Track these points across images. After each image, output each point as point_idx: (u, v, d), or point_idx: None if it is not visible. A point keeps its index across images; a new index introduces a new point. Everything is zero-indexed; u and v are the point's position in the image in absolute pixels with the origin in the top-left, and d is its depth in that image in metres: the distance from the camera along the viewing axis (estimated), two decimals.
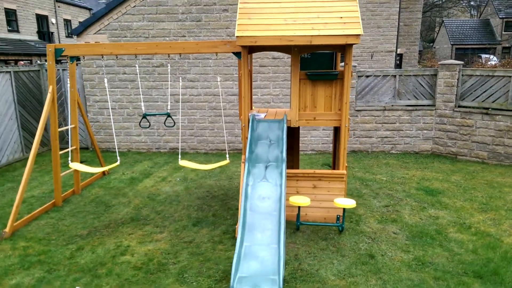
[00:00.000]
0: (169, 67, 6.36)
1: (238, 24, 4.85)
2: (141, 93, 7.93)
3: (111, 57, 9.64)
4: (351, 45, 4.99)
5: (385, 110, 9.48)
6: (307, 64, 6.53)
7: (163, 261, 4.52)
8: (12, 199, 6.48)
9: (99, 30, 9.59)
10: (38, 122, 9.43)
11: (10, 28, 21.22)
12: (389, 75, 9.50)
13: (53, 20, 25.32)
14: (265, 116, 5.65)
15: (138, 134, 10.06)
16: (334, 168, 6.43)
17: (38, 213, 5.90)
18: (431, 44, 41.29)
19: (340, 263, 4.45)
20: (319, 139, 9.75)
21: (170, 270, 4.33)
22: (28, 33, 22.80)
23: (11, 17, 21.34)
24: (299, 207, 5.21)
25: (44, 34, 24.31)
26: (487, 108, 8.63)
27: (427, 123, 9.47)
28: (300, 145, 9.31)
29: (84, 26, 9.57)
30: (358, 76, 9.51)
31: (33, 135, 9.30)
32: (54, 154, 6.19)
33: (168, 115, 6.21)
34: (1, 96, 8.63)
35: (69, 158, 6.29)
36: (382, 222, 5.53)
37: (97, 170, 6.09)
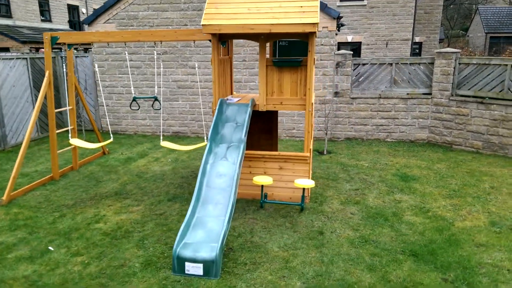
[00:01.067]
0: (155, 54, 6.79)
1: (205, 13, 5.19)
2: (131, 78, 8.45)
3: (119, 45, 10.23)
4: (313, 33, 5.21)
5: (380, 98, 9.52)
6: (286, 50, 6.80)
7: (130, 229, 5.02)
8: (19, 172, 7.21)
9: (108, 19, 10.19)
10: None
11: (43, 18, 22.48)
12: (385, 63, 9.51)
13: (84, 10, 26.50)
14: (238, 100, 5.98)
15: (144, 118, 10.67)
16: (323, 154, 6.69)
17: (36, 185, 6.58)
18: (465, 32, 39.53)
19: (289, 237, 4.77)
20: (315, 126, 9.94)
21: (133, 237, 4.82)
22: (59, 22, 24.06)
23: (44, 7, 22.59)
24: (262, 185, 5.54)
25: (75, 23, 25.54)
26: (483, 97, 8.50)
27: (423, 111, 9.43)
28: (293, 131, 9.57)
29: (95, 16, 10.19)
30: (354, 64, 9.59)
31: (47, 117, 10.11)
32: (51, 132, 6.83)
33: (156, 99, 6.68)
34: (18, 81, 9.44)
35: (69, 135, 6.92)
36: (345, 203, 5.77)
37: (93, 145, 6.65)
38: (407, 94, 9.44)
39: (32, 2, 21.96)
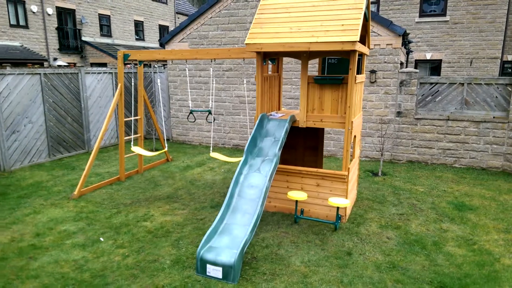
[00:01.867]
0: (211, 71, 7.31)
1: (250, 33, 5.52)
2: (189, 92, 9.08)
3: (191, 62, 11.11)
4: (354, 51, 5.23)
5: (448, 120, 8.93)
6: (335, 68, 6.82)
7: (171, 230, 5.46)
8: (94, 172, 8.24)
9: (182, 39, 11.16)
10: (131, 113, 11.44)
11: (137, 37, 25.14)
12: (456, 83, 8.92)
13: None
14: (281, 116, 6.17)
15: (208, 130, 11.35)
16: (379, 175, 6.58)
17: (104, 184, 7.45)
18: None
19: (315, 254, 4.77)
20: (373, 146, 9.64)
21: (171, 237, 5.24)
22: (151, 41, 26.66)
23: (138, 27, 25.28)
24: (296, 201, 5.62)
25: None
26: None
27: (498, 137, 8.61)
28: (381, 150, 9.33)
29: (171, 36, 11.24)
30: (421, 83, 9.16)
31: (127, 125, 11.32)
32: (120, 139, 7.70)
33: (209, 112, 7.17)
34: (103, 92, 10.77)
35: (131, 143, 7.73)
36: (384, 227, 5.56)
37: (149, 154, 7.35)
38: (481, 117, 8.71)
39: (129, 24, 24.70)
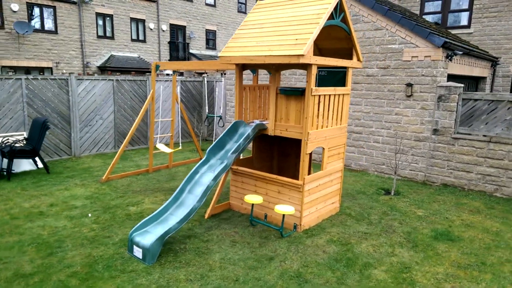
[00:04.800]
0: (223, 82, 7.97)
1: (225, 46, 6.05)
2: (205, 100, 9.88)
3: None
4: (310, 64, 5.31)
5: (490, 142, 7.81)
6: (325, 80, 6.82)
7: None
8: (136, 164, 9.71)
9: None
10: (193, 116, 12.84)
11: (207, 46, 26.79)
12: (504, 101, 7.76)
13: None
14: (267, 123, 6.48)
15: None
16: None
17: (132, 174, 8.79)
18: None
19: (241, 254, 5.03)
20: (407, 164, 8.94)
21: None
22: (221, 50, 28.41)
23: (210, 37, 26.87)
24: (252, 204, 5.90)
25: None
26: None
27: None
28: (383, 166, 8.92)
29: None
30: (463, 99, 8.21)
31: (188, 126, 12.75)
32: (151, 137, 8.94)
33: (220, 117, 7.87)
34: (168, 97, 12.37)
35: (157, 141, 8.91)
36: (331, 242, 5.42)
37: (168, 150, 8.39)
38: None
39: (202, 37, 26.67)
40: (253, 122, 6.52)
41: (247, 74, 10.94)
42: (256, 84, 6.74)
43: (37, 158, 8.94)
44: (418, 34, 8.40)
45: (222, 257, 4.95)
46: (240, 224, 6.05)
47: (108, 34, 21.27)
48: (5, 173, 8.32)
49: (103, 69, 20.70)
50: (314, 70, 5.36)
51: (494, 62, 12.97)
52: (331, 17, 5.56)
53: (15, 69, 18.20)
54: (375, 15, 8.99)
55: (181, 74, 22.58)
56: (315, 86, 7.34)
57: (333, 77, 6.46)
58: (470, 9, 14.10)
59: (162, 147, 8.51)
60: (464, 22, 14.38)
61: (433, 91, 8.44)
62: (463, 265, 4.86)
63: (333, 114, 6.04)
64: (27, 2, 18.24)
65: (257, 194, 6.23)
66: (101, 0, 20.64)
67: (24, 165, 8.98)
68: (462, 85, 8.22)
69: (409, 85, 8.67)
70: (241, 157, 7.22)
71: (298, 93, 5.61)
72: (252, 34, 5.90)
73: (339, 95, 6.06)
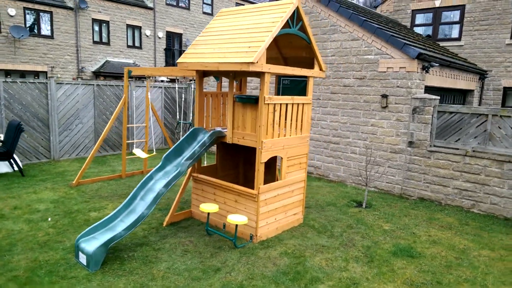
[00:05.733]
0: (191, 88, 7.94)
1: (184, 52, 6.02)
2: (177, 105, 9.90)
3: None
4: (263, 73, 5.26)
5: (466, 156, 7.66)
6: (288, 89, 6.76)
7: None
8: (113, 169, 9.67)
9: None
10: (175, 121, 12.80)
11: None
12: (480, 114, 7.63)
13: None
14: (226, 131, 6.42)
15: None
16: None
17: (104, 179, 8.74)
18: None
19: (189, 264, 4.93)
20: (385, 177, 8.81)
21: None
22: None
23: None
24: (208, 213, 5.81)
25: None
26: None
27: None
28: (363, 178, 8.83)
29: None
30: (439, 112, 8.10)
31: (171, 131, 12.72)
32: (123, 143, 8.91)
33: (190, 124, 7.82)
34: (154, 101, 12.35)
35: (134, 146, 8.87)
36: (284, 254, 5.31)
37: (144, 155, 8.35)
38: (504, 155, 7.24)
39: None
40: (214, 130, 6.46)
41: (225, 81, 10.92)
42: (220, 91, 6.69)
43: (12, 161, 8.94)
44: (393, 45, 8.34)
45: (168, 267, 4.85)
46: (197, 233, 5.96)
47: (104, 40, 21.44)
48: None
49: (98, 74, 20.83)
50: (267, 79, 5.30)
51: (482, 75, 12.84)
52: (287, 25, 5.51)
53: (11, 72, 18.37)
54: (352, 25, 8.95)
55: (173, 80, 22.62)
56: (279, 95, 7.35)
57: (295, 86, 6.40)
58: (461, 22, 14.03)
59: (138, 152, 8.46)
60: (455, 34, 14.31)
61: (408, 103, 8.34)
62: (416, 284, 4.71)
63: (291, 123, 5.96)
64: (24, 7, 18.47)
65: (216, 203, 6.14)
66: (98, 6, 20.86)
67: (0, 167, 8.97)
68: (438, 97, 8.11)
69: (384, 96, 8.58)
70: (205, 164, 7.17)
71: (252, 101, 5.55)
72: (211, 41, 5.87)
73: (298, 104, 5.98)
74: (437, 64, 8.50)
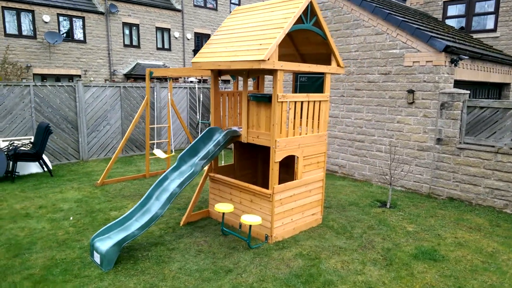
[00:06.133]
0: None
1: (199, 52, 6.00)
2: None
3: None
4: (276, 70, 5.14)
5: (498, 153, 7.19)
6: (306, 86, 6.60)
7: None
8: (138, 169, 9.87)
9: None
10: (197, 121, 12.91)
11: None
12: None
13: None
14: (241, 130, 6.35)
15: None
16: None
17: (129, 178, 8.91)
18: None
19: (201, 265, 4.90)
20: (412, 176, 8.43)
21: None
22: None
23: None
24: (223, 213, 5.75)
25: None
26: None
27: None
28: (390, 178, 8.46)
29: None
30: (469, 107, 7.65)
31: (195, 130, 12.82)
32: (147, 142, 9.04)
33: (209, 124, 7.81)
34: (178, 103, 12.51)
35: (154, 146, 8.98)
36: (299, 256, 5.16)
37: (164, 155, 8.44)
38: None
39: None
40: (231, 129, 6.40)
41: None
42: (236, 90, 6.63)
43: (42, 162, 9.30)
44: (418, 38, 7.95)
45: (180, 267, 4.84)
46: (213, 233, 5.93)
47: (135, 43, 21.99)
48: (9, 174, 8.72)
49: (129, 77, 21.40)
50: (280, 76, 5.17)
51: None
52: (300, 21, 5.35)
53: (46, 76, 19.22)
54: (376, 19, 8.62)
55: (205, 81, 22.84)
56: (297, 92, 7.17)
57: (312, 84, 6.22)
58: (496, 12, 13.24)
59: (158, 153, 8.57)
60: (491, 25, 13.51)
61: (436, 98, 7.93)
62: (439, 286, 4.45)
63: (307, 121, 5.79)
64: (57, 13, 19.26)
65: (232, 203, 6.09)
66: (128, 10, 21.41)
67: (31, 168, 9.36)
68: (467, 91, 7.66)
69: (411, 91, 8.20)
70: (222, 164, 7.13)
71: (266, 100, 5.43)
72: (224, 39, 5.81)
73: (314, 101, 5.81)
74: (466, 57, 8.02)
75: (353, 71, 9.21)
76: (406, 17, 9.12)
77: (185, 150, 5.92)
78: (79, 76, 20.27)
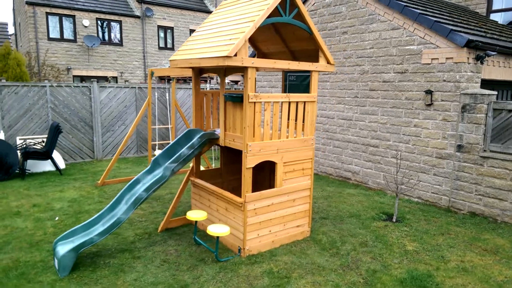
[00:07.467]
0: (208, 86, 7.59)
1: (177, 50, 5.68)
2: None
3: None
4: (246, 68, 4.69)
5: None
6: (295, 86, 6.05)
7: None
8: (139, 170, 9.80)
9: None
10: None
11: None
12: None
13: None
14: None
15: None
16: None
17: (129, 180, 8.83)
18: None
19: (159, 277, 4.56)
20: (430, 187, 7.53)
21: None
22: None
23: None
24: (196, 221, 5.38)
25: None
26: None
27: None
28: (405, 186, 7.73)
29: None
30: (495, 110, 6.66)
31: None
32: (149, 143, 8.91)
33: None
34: (184, 102, 12.36)
35: (156, 147, 8.83)
36: (267, 274, 4.64)
37: None
38: None
39: None
40: (215, 131, 6.02)
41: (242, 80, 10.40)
42: (223, 89, 6.21)
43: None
44: (437, 32, 7.07)
45: (136, 278, 4.54)
46: (187, 242, 5.57)
47: (169, 45, 22.35)
48: (21, 172, 8.99)
49: (162, 79, 21.75)
50: (251, 74, 4.70)
51: None
52: (277, 14, 4.84)
53: (84, 78, 20.06)
54: (392, 13, 7.82)
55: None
56: (286, 92, 6.63)
57: (300, 83, 5.67)
58: None
59: (158, 153, 8.40)
60: None
61: (457, 100, 7.00)
62: None
63: (288, 124, 5.25)
64: (96, 18, 20.04)
65: (210, 210, 5.70)
66: (163, 13, 21.81)
67: (45, 166, 9.62)
68: (494, 92, 6.67)
69: (429, 92, 7.32)
70: (213, 167, 6.76)
71: (238, 100, 4.98)
72: (201, 36, 5.44)
73: (296, 102, 5.25)
74: (494, 53, 7.00)
75: (367, 70, 8.45)
76: (429, 10, 8.20)
77: (160, 152, 5.63)
78: (116, 77, 20.94)
